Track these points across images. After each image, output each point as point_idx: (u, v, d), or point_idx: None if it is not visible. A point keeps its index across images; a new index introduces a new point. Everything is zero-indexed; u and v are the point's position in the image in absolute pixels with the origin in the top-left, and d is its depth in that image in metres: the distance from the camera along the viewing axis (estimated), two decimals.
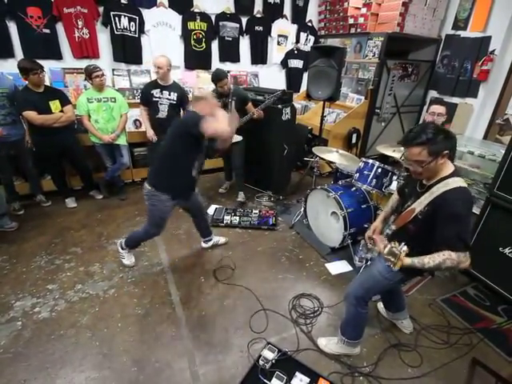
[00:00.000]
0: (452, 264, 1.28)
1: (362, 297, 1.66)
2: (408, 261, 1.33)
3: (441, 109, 2.33)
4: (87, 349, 1.84)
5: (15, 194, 3.19)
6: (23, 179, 3.37)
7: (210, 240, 2.76)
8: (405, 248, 1.29)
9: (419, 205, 1.41)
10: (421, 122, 2.60)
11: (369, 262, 2.47)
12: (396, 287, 1.90)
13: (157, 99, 3.20)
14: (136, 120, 3.79)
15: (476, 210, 2.38)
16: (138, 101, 3.39)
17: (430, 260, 1.31)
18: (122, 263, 2.51)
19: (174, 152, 2.06)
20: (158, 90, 3.19)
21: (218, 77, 3.04)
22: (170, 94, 3.22)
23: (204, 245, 2.76)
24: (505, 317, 2.17)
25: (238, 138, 3.26)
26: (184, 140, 1.99)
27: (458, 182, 1.32)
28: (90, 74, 3.02)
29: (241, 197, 3.57)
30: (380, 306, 2.17)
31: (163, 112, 3.26)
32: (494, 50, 3.50)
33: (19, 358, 1.76)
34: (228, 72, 4.49)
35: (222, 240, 2.84)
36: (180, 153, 2.05)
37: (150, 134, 3.29)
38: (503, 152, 2.21)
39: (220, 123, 1.93)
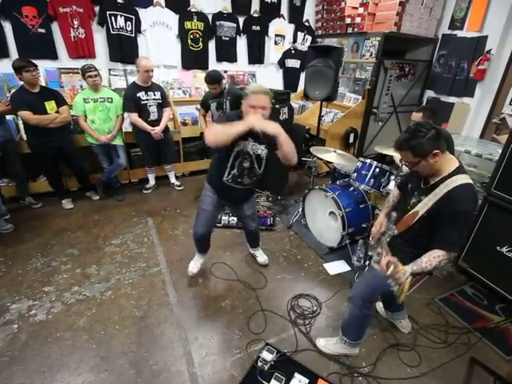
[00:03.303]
0: (445, 263, 1.34)
1: (369, 298, 1.66)
2: (408, 272, 1.32)
3: (417, 116, 2.31)
4: (84, 351, 1.82)
5: (1, 196, 3.00)
6: (12, 181, 3.27)
7: (254, 251, 2.67)
8: (409, 278, 1.28)
9: (422, 207, 1.41)
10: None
11: (367, 262, 2.48)
12: None
13: (145, 102, 3.21)
14: None
15: None
16: None
17: (427, 264, 1.32)
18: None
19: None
20: (143, 93, 3.20)
21: (211, 79, 2.99)
22: (154, 94, 3.25)
23: (251, 251, 2.69)
24: (502, 316, 2.18)
25: None
26: None
27: (461, 180, 1.32)
28: (83, 73, 3.02)
29: None
30: (379, 305, 2.17)
31: (154, 113, 3.29)
32: (490, 50, 3.52)
33: (15, 362, 1.74)
34: (225, 72, 4.51)
35: (262, 259, 2.62)
36: (214, 151, 1.98)
37: (157, 130, 3.27)
38: (500, 151, 2.22)
39: (210, 130, 1.75)
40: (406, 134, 1.36)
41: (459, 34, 3.85)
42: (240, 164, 1.91)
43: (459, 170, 1.36)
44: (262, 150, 1.90)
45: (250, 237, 2.56)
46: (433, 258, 1.32)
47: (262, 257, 2.63)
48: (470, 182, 1.33)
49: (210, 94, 3.21)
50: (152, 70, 3.15)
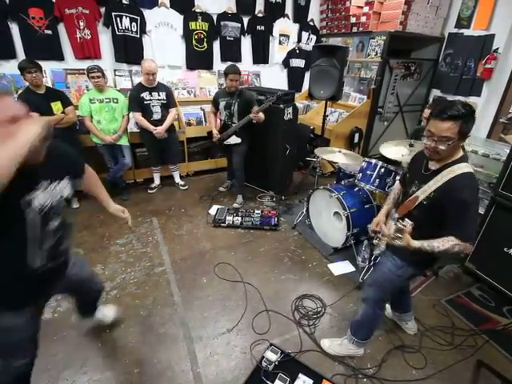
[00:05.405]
0: (459, 250, 1.27)
1: (382, 298, 1.66)
2: (417, 244, 1.29)
3: None
4: (89, 350, 1.84)
5: None
6: None
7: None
8: (410, 222, 1.25)
9: (423, 193, 1.39)
10: (422, 123, 2.55)
11: (371, 262, 2.46)
12: (405, 287, 1.90)
13: (148, 102, 3.24)
14: None
15: (480, 210, 2.36)
16: None
17: (439, 244, 1.28)
18: None
19: None
20: (147, 93, 3.23)
21: (234, 68, 2.97)
22: (159, 95, 3.28)
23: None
24: (510, 318, 2.15)
25: (236, 140, 3.20)
26: None
27: (464, 168, 1.31)
28: (87, 74, 3.06)
29: (238, 201, 3.50)
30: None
31: (157, 113, 3.32)
32: (497, 49, 3.47)
33: None
34: None
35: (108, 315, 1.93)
36: None
37: (160, 129, 3.29)
38: (507, 151, 2.19)
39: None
40: (459, 105, 1.23)
41: (466, 32, 3.80)
42: (48, 228, 1.15)
43: (465, 158, 1.36)
44: (66, 187, 1.19)
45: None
46: (446, 242, 1.28)
47: None
48: (472, 171, 1.32)
49: (221, 92, 3.22)
50: (153, 74, 3.15)
